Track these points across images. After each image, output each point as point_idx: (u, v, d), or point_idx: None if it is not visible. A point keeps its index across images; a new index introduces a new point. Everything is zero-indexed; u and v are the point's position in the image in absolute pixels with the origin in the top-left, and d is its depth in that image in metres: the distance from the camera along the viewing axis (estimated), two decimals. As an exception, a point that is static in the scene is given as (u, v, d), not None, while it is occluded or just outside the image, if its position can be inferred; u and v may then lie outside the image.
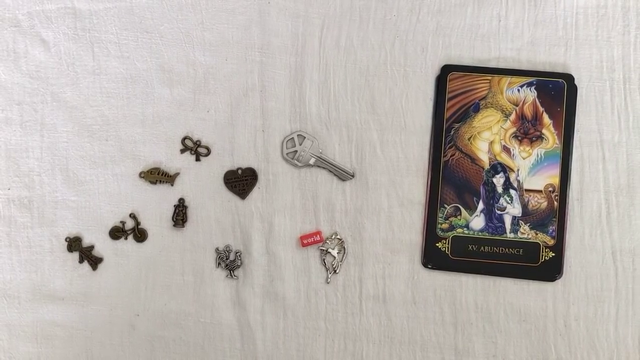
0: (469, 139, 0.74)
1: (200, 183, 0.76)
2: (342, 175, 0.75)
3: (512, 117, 0.74)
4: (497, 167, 0.74)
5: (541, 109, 0.74)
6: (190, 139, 0.76)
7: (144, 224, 0.76)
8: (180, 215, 0.75)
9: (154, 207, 0.76)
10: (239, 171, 0.75)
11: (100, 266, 0.76)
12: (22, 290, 0.76)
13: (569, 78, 0.74)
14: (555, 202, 0.73)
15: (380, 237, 0.75)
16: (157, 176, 0.76)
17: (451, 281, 0.74)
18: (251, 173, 0.75)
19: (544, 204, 0.73)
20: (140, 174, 0.76)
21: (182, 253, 0.76)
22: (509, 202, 0.73)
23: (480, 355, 0.74)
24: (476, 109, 0.74)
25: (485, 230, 0.74)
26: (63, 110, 0.76)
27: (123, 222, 0.76)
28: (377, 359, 0.74)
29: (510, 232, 0.73)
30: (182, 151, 0.76)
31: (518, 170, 0.74)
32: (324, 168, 0.75)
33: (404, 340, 0.74)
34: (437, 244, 0.74)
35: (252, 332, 0.75)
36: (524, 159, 0.74)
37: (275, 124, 0.76)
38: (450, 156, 0.74)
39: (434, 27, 0.75)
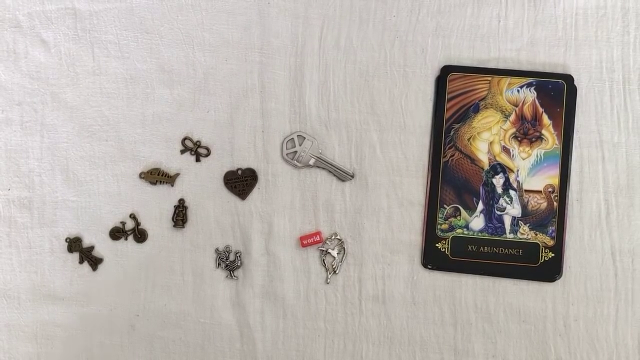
0: (468, 140, 0.74)
1: (200, 183, 0.76)
2: (342, 175, 0.75)
3: (512, 117, 0.74)
4: (497, 168, 0.74)
5: (541, 109, 0.74)
6: (190, 139, 0.76)
7: (144, 225, 0.76)
8: (180, 215, 0.75)
9: (154, 207, 0.76)
10: (239, 172, 0.76)
11: (100, 266, 0.76)
12: (22, 290, 0.76)
13: (568, 79, 0.74)
14: (555, 203, 0.73)
15: (380, 238, 0.75)
16: (157, 177, 0.76)
17: (451, 281, 0.74)
18: (251, 173, 0.75)
19: (544, 205, 0.73)
20: (140, 174, 0.76)
21: (182, 253, 0.76)
22: (509, 202, 0.73)
23: (480, 355, 0.74)
24: (476, 109, 0.74)
25: (485, 230, 0.74)
26: (63, 111, 0.76)
27: (123, 223, 0.76)
28: (377, 359, 0.74)
29: (509, 233, 0.73)
30: (182, 152, 0.76)
31: (518, 170, 0.74)
32: (323, 168, 0.75)
33: (404, 340, 0.74)
34: (437, 245, 0.74)
35: (252, 332, 0.75)
36: (523, 159, 0.74)
37: (275, 125, 0.76)
38: (450, 157, 0.74)
39: (433, 27, 0.75)
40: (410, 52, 0.75)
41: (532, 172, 0.74)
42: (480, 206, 0.74)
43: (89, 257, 0.76)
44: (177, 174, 0.76)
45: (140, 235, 0.76)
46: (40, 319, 0.76)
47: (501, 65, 0.75)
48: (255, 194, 0.76)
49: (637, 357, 0.73)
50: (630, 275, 0.73)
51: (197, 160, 0.76)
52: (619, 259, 0.73)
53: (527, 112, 0.74)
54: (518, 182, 0.74)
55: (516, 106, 0.74)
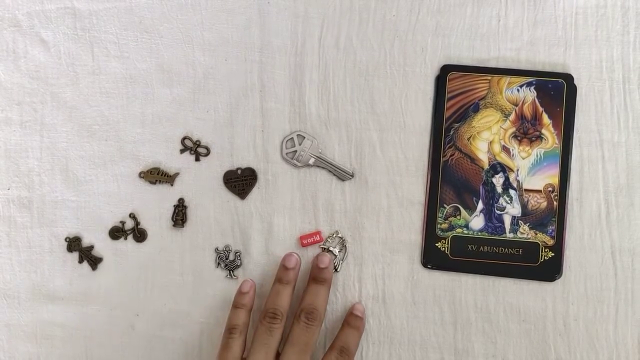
0: (468, 139, 0.74)
1: (200, 183, 0.76)
2: (342, 175, 0.75)
3: (512, 117, 0.74)
4: (497, 167, 0.74)
5: (540, 108, 0.74)
6: (190, 139, 0.76)
7: (144, 224, 0.76)
8: (179, 215, 0.75)
9: (153, 207, 0.76)
10: (239, 171, 0.75)
11: (100, 266, 0.76)
12: (22, 290, 0.76)
13: (568, 78, 0.74)
14: (555, 202, 0.73)
15: (380, 237, 0.75)
16: (156, 176, 0.76)
17: (451, 281, 0.74)
18: (251, 173, 0.75)
19: (544, 204, 0.73)
20: (140, 174, 0.76)
21: (182, 253, 0.76)
22: (509, 202, 0.73)
23: (480, 355, 0.74)
24: (476, 109, 0.74)
25: (485, 230, 0.74)
26: (63, 110, 0.76)
27: (123, 222, 0.76)
28: (377, 359, 0.74)
29: (509, 232, 0.73)
30: (182, 151, 0.76)
31: (517, 170, 0.74)
32: (323, 168, 0.75)
33: (404, 340, 0.74)
34: (437, 244, 0.74)
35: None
36: (523, 158, 0.74)
37: (275, 124, 0.76)
38: (450, 156, 0.74)
39: (433, 27, 0.75)
40: (410, 51, 0.75)
41: (532, 171, 0.73)
42: (480, 205, 0.74)
43: (89, 257, 0.76)
44: (177, 174, 0.76)
45: (139, 235, 0.76)
46: (40, 319, 0.76)
47: (501, 65, 0.75)
48: (255, 193, 0.76)
49: (637, 357, 0.73)
50: (630, 275, 0.73)
51: (197, 159, 0.76)
52: (619, 259, 0.73)
53: (527, 111, 0.74)
54: (518, 181, 0.73)
55: (516, 105, 0.74)
